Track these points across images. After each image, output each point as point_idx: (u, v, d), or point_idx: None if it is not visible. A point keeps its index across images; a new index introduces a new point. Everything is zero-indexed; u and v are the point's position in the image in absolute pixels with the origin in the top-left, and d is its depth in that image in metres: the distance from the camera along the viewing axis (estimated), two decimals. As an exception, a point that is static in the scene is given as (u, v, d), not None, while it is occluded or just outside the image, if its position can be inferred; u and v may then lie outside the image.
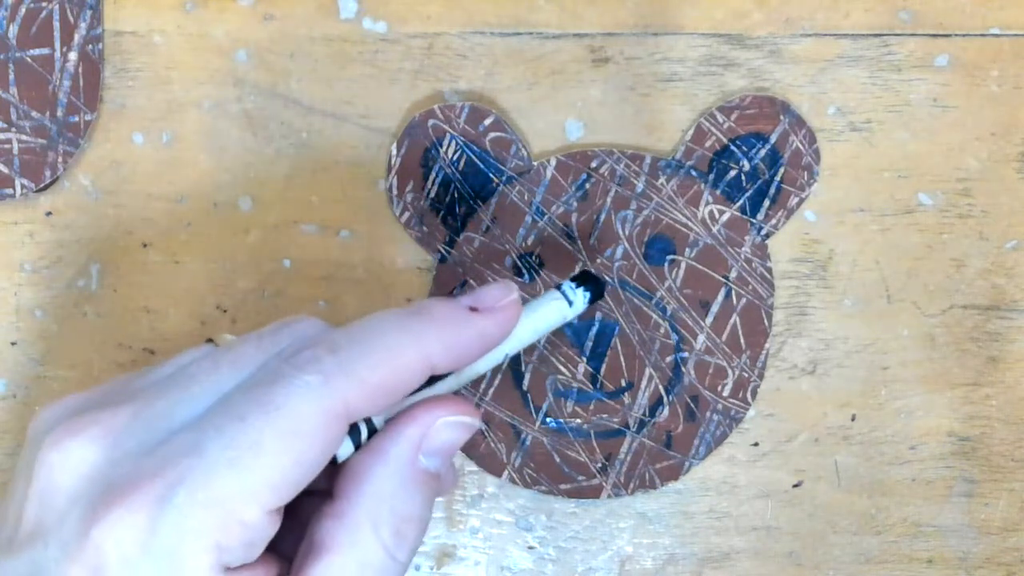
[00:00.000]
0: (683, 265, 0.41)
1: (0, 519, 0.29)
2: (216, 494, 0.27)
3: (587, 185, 0.41)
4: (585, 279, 0.35)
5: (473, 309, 0.31)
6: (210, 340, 0.32)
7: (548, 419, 0.41)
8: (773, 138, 0.41)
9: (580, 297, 0.35)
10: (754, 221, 0.41)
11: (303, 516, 0.31)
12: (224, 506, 0.27)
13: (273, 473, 0.27)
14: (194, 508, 0.27)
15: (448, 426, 0.30)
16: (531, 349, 0.41)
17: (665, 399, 0.41)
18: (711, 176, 0.41)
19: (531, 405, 0.41)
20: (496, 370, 0.41)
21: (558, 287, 0.35)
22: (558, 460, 0.41)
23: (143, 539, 0.27)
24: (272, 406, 0.28)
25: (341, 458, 0.31)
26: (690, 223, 0.41)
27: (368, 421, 0.31)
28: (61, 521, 0.27)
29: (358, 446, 0.31)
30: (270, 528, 0.28)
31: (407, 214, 0.41)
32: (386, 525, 0.29)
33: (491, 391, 0.41)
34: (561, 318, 0.35)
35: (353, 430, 0.31)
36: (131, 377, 0.31)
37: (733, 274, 0.41)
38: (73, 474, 0.28)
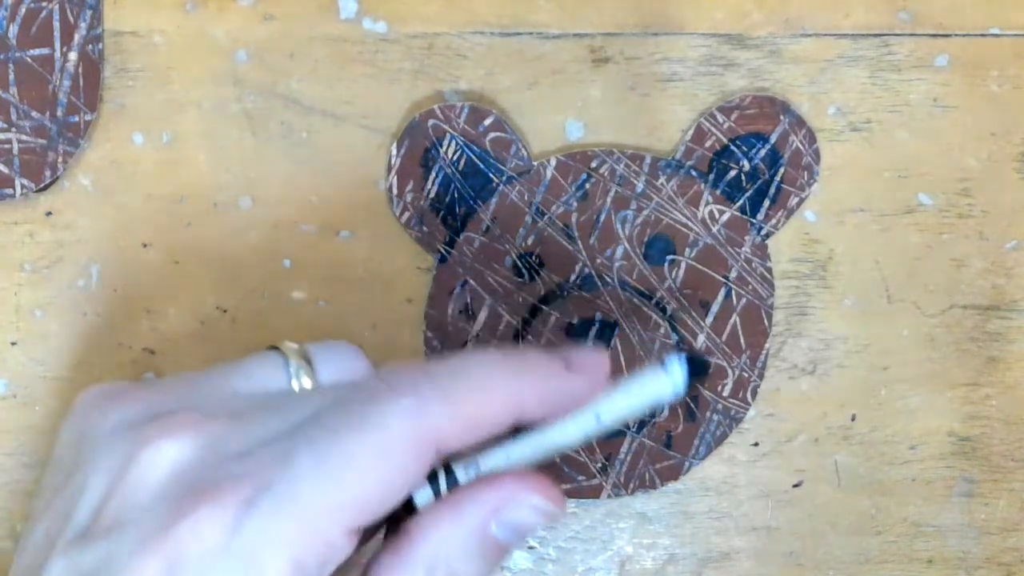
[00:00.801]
0: (683, 265, 0.41)
1: (66, 507, 0.29)
2: (301, 505, 0.27)
3: (587, 185, 0.41)
4: (689, 360, 0.33)
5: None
6: (274, 347, 0.32)
7: (548, 419, 0.41)
8: (773, 138, 0.41)
9: (678, 374, 0.32)
10: (754, 221, 0.41)
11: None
12: (307, 518, 0.27)
13: (359, 490, 0.27)
14: (278, 516, 0.27)
15: (529, 508, 0.30)
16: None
17: (665, 399, 0.41)
18: (711, 176, 0.41)
19: (531, 405, 0.41)
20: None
21: (661, 363, 0.32)
22: (558, 460, 0.41)
23: (224, 539, 0.26)
24: (366, 423, 0.28)
25: (420, 505, 0.30)
26: (690, 223, 0.41)
27: (449, 473, 0.30)
28: (143, 515, 0.27)
29: (437, 495, 0.30)
30: (346, 549, 0.28)
31: (407, 214, 0.41)
32: None
33: (491, 391, 0.41)
34: (658, 395, 0.32)
35: (432, 480, 0.30)
36: (205, 379, 0.31)
37: (733, 274, 0.41)
38: (163, 471, 0.28)
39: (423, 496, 0.30)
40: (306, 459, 0.27)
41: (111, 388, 0.31)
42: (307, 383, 0.31)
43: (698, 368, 0.33)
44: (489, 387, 0.29)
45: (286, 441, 0.28)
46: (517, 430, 0.31)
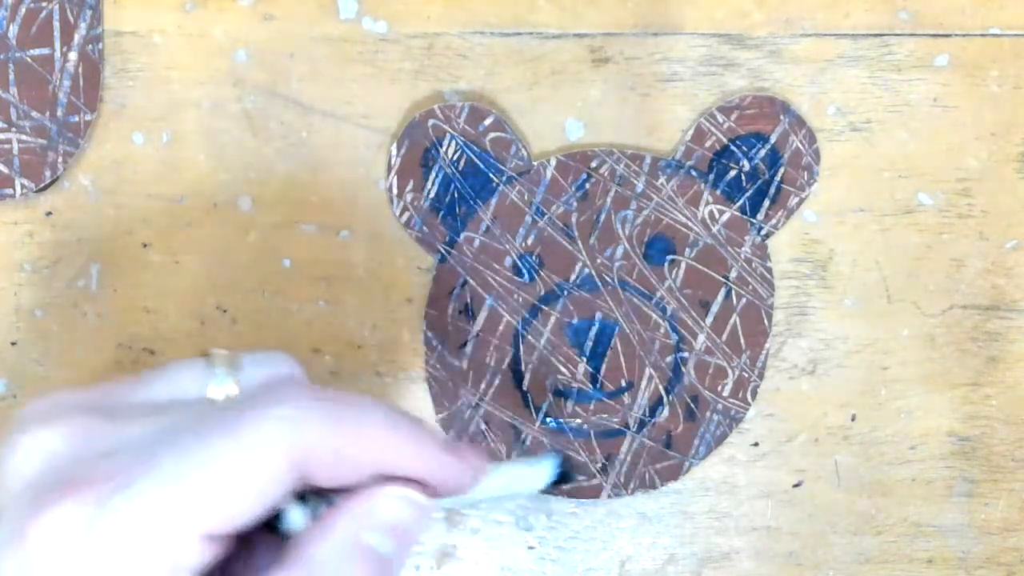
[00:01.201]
0: (683, 265, 0.41)
1: None
2: (156, 507, 0.26)
3: (587, 185, 0.41)
4: (563, 465, 0.33)
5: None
6: (206, 354, 0.32)
7: (548, 419, 0.41)
8: (773, 138, 0.41)
9: (549, 469, 0.33)
10: (754, 221, 0.41)
11: None
12: (161, 520, 0.26)
13: (216, 496, 0.27)
14: (129, 516, 0.26)
15: (393, 500, 0.29)
16: (531, 350, 0.41)
17: (665, 399, 0.41)
18: (711, 176, 0.41)
19: (531, 405, 0.41)
20: (496, 374, 0.41)
21: (536, 460, 0.33)
22: (558, 460, 0.41)
23: (77, 536, 0.26)
24: (234, 430, 0.27)
25: (294, 526, 0.30)
26: (690, 223, 0.41)
27: (317, 496, 0.30)
28: (12, 503, 0.27)
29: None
30: (198, 558, 0.27)
31: (407, 214, 0.41)
32: None
33: (491, 391, 0.41)
34: (523, 487, 0.33)
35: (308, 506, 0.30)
36: (126, 385, 0.31)
37: (733, 274, 0.41)
38: (34, 461, 0.28)
39: (296, 522, 0.30)
40: (168, 461, 0.27)
41: (55, 391, 0.31)
42: (231, 391, 0.31)
43: (565, 477, 0.33)
44: (370, 429, 0.29)
45: (156, 444, 0.28)
46: None
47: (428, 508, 0.30)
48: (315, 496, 0.30)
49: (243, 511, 0.27)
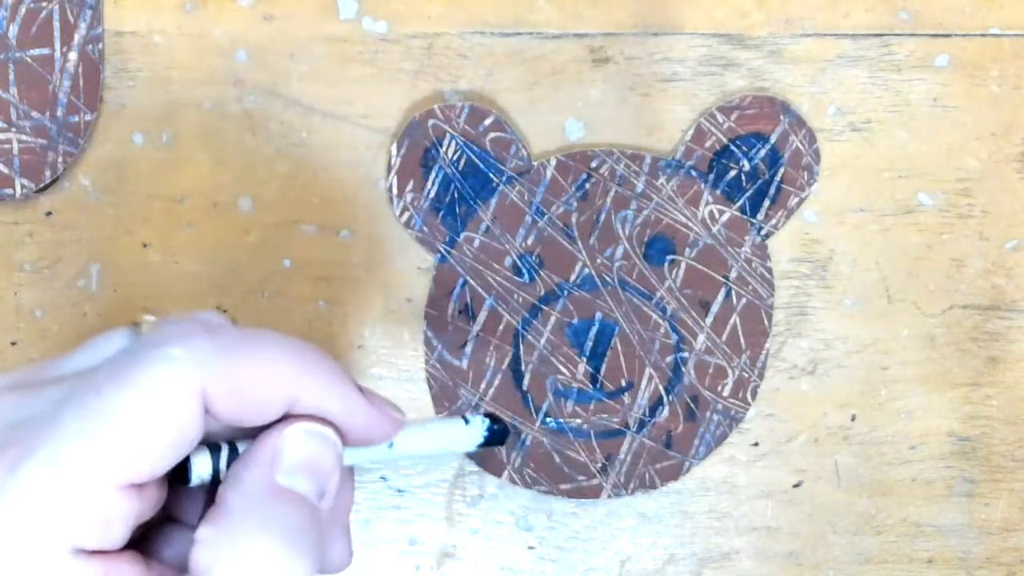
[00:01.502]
0: (683, 265, 0.41)
1: None
2: (64, 464, 0.26)
3: (587, 185, 0.41)
4: (494, 419, 0.33)
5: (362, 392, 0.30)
6: (134, 323, 0.32)
7: (548, 419, 0.41)
8: (773, 138, 0.41)
9: (479, 426, 0.32)
10: (754, 221, 0.41)
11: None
12: (71, 477, 0.26)
13: (122, 445, 0.26)
14: (41, 479, 0.26)
15: (300, 436, 0.28)
16: (531, 349, 0.41)
17: (665, 399, 0.41)
18: (711, 176, 0.41)
19: (531, 405, 0.41)
20: (496, 374, 0.41)
21: (463, 417, 0.33)
22: (558, 460, 0.41)
23: None
24: (129, 377, 0.27)
25: (196, 477, 0.29)
26: (690, 223, 0.41)
27: (232, 446, 0.29)
28: None
29: (217, 470, 0.29)
30: (125, 508, 0.27)
31: (407, 214, 0.41)
32: (245, 547, 0.27)
33: (491, 391, 0.41)
34: (452, 443, 0.33)
35: (215, 452, 0.29)
36: (52, 360, 0.31)
37: (733, 274, 0.41)
38: None
39: (202, 467, 0.29)
40: (70, 419, 0.27)
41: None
42: None
43: (498, 435, 0.33)
44: (268, 359, 0.28)
45: (60, 406, 0.28)
46: None
47: (331, 438, 0.29)
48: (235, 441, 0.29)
49: (153, 457, 0.27)
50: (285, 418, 0.29)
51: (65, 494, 0.26)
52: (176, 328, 0.28)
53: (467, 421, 0.32)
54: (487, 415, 0.33)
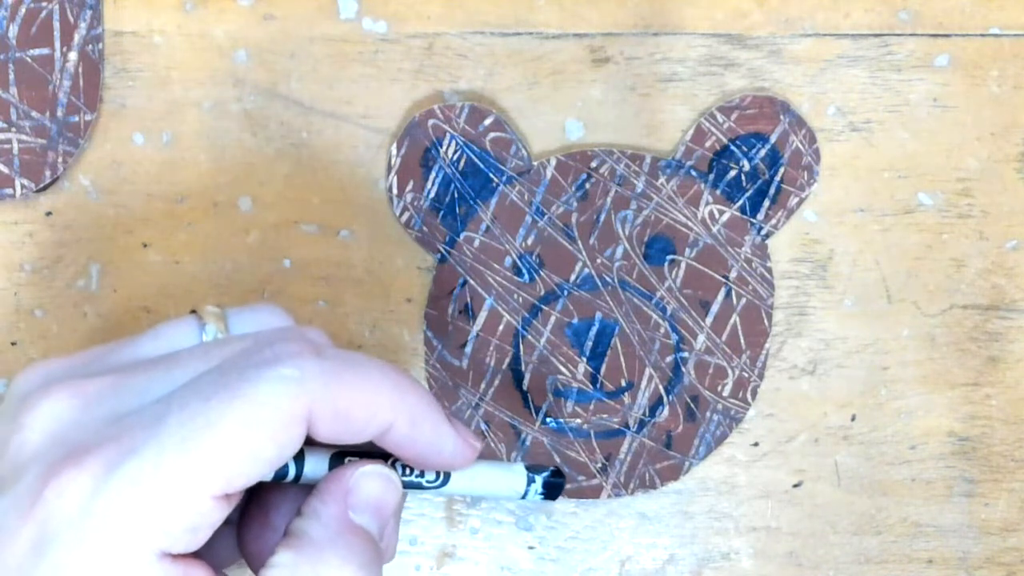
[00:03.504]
0: (683, 265, 0.41)
1: None
2: (165, 469, 0.27)
3: (587, 185, 0.41)
4: (553, 475, 0.34)
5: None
6: (193, 311, 0.32)
7: (548, 419, 0.41)
8: (773, 138, 0.41)
9: (532, 492, 0.34)
10: (754, 221, 0.41)
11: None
12: (170, 483, 0.27)
13: (224, 458, 0.27)
14: (140, 479, 0.27)
15: (367, 477, 0.30)
16: (531, 349, 0.41)
17: (665, 399, 0.41)
18: (711, 176, 0.41)
19: (531, 405, 0.41)
20: (496, 374, 0.41)
21: (529, 473, 0.34)
22: (558, 460, 0.41)
23: (86, 502, 0.26)
24: (239, 391, 0.27)
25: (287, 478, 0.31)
26: (690, 223, 0.41)
27: (299, 463, 0.31)
28: (20, 476, 0.27)
29: (283, 477, 0.31)
30: (215, 516, 0.27)
31: (407, 214, 0.41)
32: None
33: (491, 391, 0.41)
34: (505, 492, 0.34)
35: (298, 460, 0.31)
36: (116, 346, 0.31)
37: (733, 274, 0.41)
38: (41, 432, 0.28)
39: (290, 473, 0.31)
40: (174, 424, 0.27)
41: (41, 361, 0.31)
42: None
43: (554, 492, 0.34)
44: (372, 388, 0.29)
45: (161, 405, 0.28)
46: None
47: (396, 482, 0.31)
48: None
49: (253, 472, 0.28)
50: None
51: (162, 499, 0.27)
52: (287, 347, 0.29)
53: (531, 478, 0.33)
54: (553, 471, 0.34)
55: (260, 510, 0.32)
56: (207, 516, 0.27)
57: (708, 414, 0.41)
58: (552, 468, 0.34)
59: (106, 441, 0.27)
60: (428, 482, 0.32)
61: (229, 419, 0.27)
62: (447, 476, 0.32)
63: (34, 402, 0.29)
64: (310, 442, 0.30)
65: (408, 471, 0.32)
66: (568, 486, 0.41)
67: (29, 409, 0.29)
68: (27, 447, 0.28)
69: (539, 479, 0.33)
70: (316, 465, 0.31)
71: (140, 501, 0.27)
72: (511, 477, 0.33)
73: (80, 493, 0.27)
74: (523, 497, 0.33)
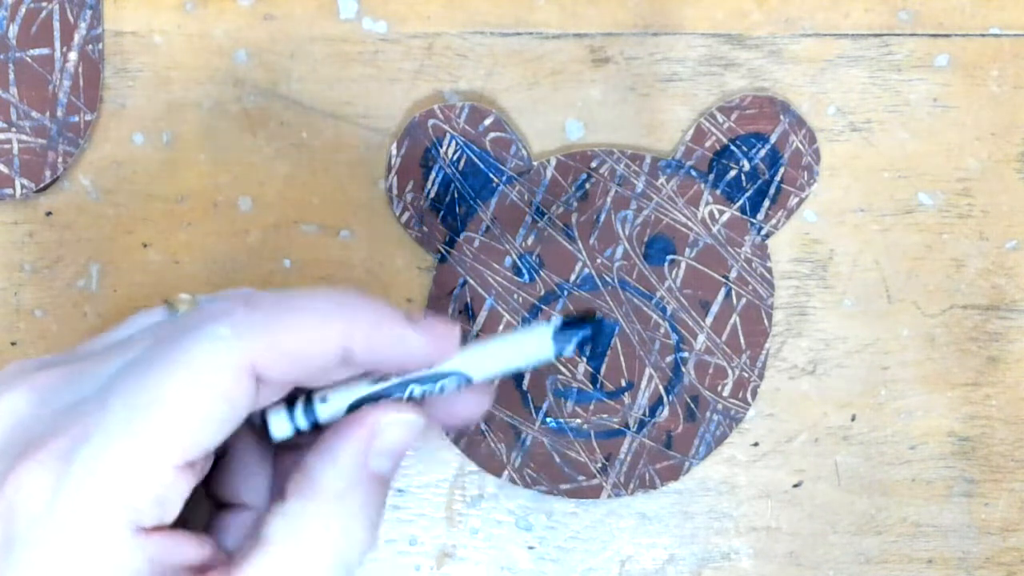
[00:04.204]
0: (683, 265, 0.41)
1: None
2: (120, 448, 0.27)
3: (587, 185, 0.41)
4: (582, 320, 0.31)
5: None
6: (166, 301, 0.32)
7: (548, 419, 0.41)
8: (773, 138, 0.41)
9: (567, 341, 0.31)
10: (754, 221, 0.41)
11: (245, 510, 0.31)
12: (128, 460, 0.27)
13: (176, 426, 0.27)
14: (98, 463, 0.27)
15: (394, 425, 0.30)
16: (531, 349, 0.41)
17: (665, 399, 0.41)
18: (711, 176, 0.41)
19: (531, 405, 0.41)
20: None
21: (555, 326, 0.31)
22: (558, 460, 0.41)
23: (47, 496, 0.26)
24: (175, 358, 0.27)
25: (277, 436, 0.30)
26: (690, 223, 0.41)
27: (308, 403, 0.30)
28: None
29: (298, 429, 0.30)
30: (182, 485, 0.27)
31: (407, 214, 0.41)
32: (336, 525, 0.29)
33: (491, 391, 0.41)
34: (536, 358, 0.31)
35: (291, 408, 0.30)
36: (90, 340, 0.32)
37: (733, 274, 0.41)
38: (1, 427, 0.28)
39: (280, 428, 0.30)
40: (119, 405, 0.27)
41: (18, 361, 0.31)
42: None
43: (585, 327, 0.30)
44: (314, 322, 0.29)
45: (105, 390, 0.28)
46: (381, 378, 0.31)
47: (420, 423, 0.30)
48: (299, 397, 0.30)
49: (210, 434, 0.27)
50: (366, 374, 0.30)
51: (121, 479, 0.27)
52: (215, 307, 0.29)
53: (559, 333, 0.30)
54: (576, 321, 0.31)
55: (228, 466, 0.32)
56: (173, 487, 0.27)
57: (708, 414, 0.41)
58: (576, 315, 0.31)
59: (58, 432, 0.27)
60: (450, 390, 0.31)
61: (170, 389, 0.27)
62: (463, 377, 0.31)
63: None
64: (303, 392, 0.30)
65: (427, 393, 0.31)
66: (568, 486, 0.41)
67: None
68: None
69: (568, 333, 0.30)
70: (334, 409, 0.30)
71: (100, 485, 0.27)
72: (534, 341, 0.31)
73: (39, 487, 0.27)
74: (560, 354, 0.31)
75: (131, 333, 0.31)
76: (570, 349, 0.31)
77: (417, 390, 0.31)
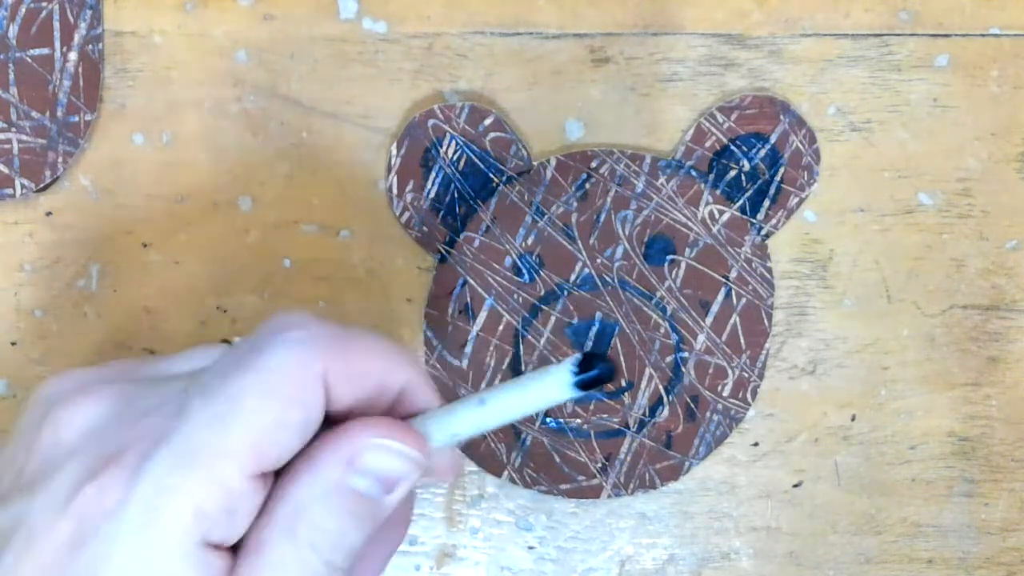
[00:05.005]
0: (683, 265, 0.41)
1: None
2: (196, 453, 0.27)
3: (587, 185, 0.41)
4: (592, 363, 0.29)
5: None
6: (225, 341, 0.32)
7: (548, 419, 0.41)
8: (773, 138, 0.41)
9: (569, 375, 0.29)
10: (754, 221, 0.41)
11: None
12: (203, 465, 0.27)
13: (252, 432, 0.27)
14: (174, 466, 0.27)
15: (379, 449, 0.28)
16: (531, 349, 0.41)
17: (665, 399, 0.41)
18: (711, 176, 0.41)
19: (531, 405, 0.41)
20: (496, 374, 0.41)
21: (557, 363, 0.29)
22: (558, 460, 0.41)
23: (123, 496, 0.26)
24: (253, 363, 0.27)
25: None
26: (690, 223, 0.41)
27: None
28: (55, 474, 0.28)
29: None
30: (253, 497, 0.27)
31: (407, 214, 0.41)
32: (304, 535, 0.28)
33: (491, 391, 0.41)
34: (550, 395, 0.29)
35: None
36: (145, 360, 0.32)
37: (733, 274, 0.41)
38: (77, 430, 0.28)
39: None
40: (198, 407, 0.27)
41: (68, 371, 0.31)
42: None
43: (602, 369, 0.29)
44: (381, 350, 0.29)
45: (183, 394, 0.28)
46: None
47: (417, 458, 0.29)
48: None
49: (284, 442, 0.27)
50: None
51: (195, 485, 0.26)
52: (290, 317, 0.29)
53: (559, 367, 0.29)
54: (587, 356, 0.29)
55: None
56: (243, 497, 0.27)
57: (708, 414, 0.41)
58: (585, 353, 0.29)
59: (139, 436, 0.27)
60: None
61: (248, 391, 0.27)
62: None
63: (68, 399, 0.29)
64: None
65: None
66: (568, 486, 0.41)
67: (64, 408, 0.29)
68: (62, 445, 0.28)
69: (569, 369, 0.29)
70: None
71: (174, 488, 0.26)
72: (539, 384, 0.29)
73: (117, 488, 0.27)
74: (579, 390, 0.29)
75: (192, 361, 0.31)
76: (572, 386, 0.29)
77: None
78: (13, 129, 0.40)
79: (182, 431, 0.27)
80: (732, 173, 0.41)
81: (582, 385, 0.29)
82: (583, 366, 0.29)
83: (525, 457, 0.41)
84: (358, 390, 0.29)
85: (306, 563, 0.28)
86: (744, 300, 0.41)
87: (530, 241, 0.41)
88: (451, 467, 0.32)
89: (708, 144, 0.41)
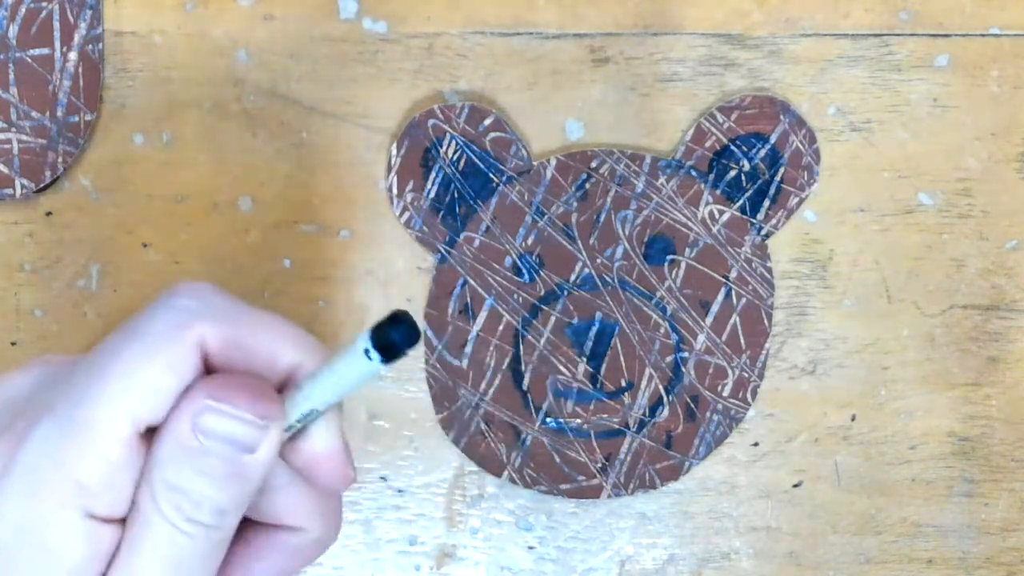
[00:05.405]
0: (683, 265, 0.41)
1: None
2: (74, 421, 0.27)
3: (587, 185, 0.41)
4: (390, 325, 0.27)
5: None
6: None
7: (548, 419, 0.41)
8: (773, 138, 0.41)
9: (375, 357, 0.27)
10: (754, 221, 0.41)
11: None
12: (77, 429, 0.27)
13: (123, 393, 0.27)
14: (57, 435, 0.27)
15: (213, 412, 0.27)
16: (531, 349, 0.41)
17: (665, 399, 0.41)
18: (711, 176, 0.41)
19: (531, 405, 0.41)
20: (496, 374, 0.41)
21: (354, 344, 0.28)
22: (558, 460, 0.41)
23: (6, 464, 0.27)
24: (135, 327, 0.28)
25: None
26: (690, 223, 0.41)
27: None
28: None
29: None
30: (133, 465, 0.27)
31: (407, 214, 0.41)
32: (163, 497, 0.27)
33: (491, 391, 0.41)
34: (356, 376, 0.28)
35: None
36: None
37: (733, 274, 0.41)
38: (1, 402, 0.29)
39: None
40: (80, 376, 0.27)
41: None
42: None
43: (398, 335, 0.27)
44: (271, 327, 0.29)
45: (75, 364, 0.28)
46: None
47: (251, 420, 0.28)
48: None
49: (152, 403, 0.27)
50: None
51: (73, 451, 0.26)
52: (186, 285, 0.29)
53: (356, 347, 0.27)
54: (382, 330, 0.27)
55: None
56: (122, 468, 0.27)
57: (708, 414, 0.41)
58: (387, 318, 0.27)
59: (39, 403, 0.28)
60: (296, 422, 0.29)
61: (124, 355, 0.27)
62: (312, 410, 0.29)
63: (6, 374, 0.30)
64: None
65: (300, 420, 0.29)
66: (568, 486, 0.41)
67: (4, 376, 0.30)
68: None
69: (366, 344, 0.27)
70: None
71: (54, 459, 0.27)
72: (346, 367, 0.28)
73: (2, 456, 0.27)
74: (384, 361, 0.27)
75: None
76: (379, 363, 0.27)
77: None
78: (13, 129, 0.40)
79: (64, 400, 0.27)
80: (732, 173, 0.41)
81: (384, 355, 0.27)
82: (380, 334, 0.27)
83: (525, 457, 0.41)
84: (241, 364, 0.28)
85: (171, 523, 0.27)
86: (744, 300, 0.41)
87: (530, 241, 0.41)
88: (338, 472, 0.30)
89: (708, 144, 0.41)
